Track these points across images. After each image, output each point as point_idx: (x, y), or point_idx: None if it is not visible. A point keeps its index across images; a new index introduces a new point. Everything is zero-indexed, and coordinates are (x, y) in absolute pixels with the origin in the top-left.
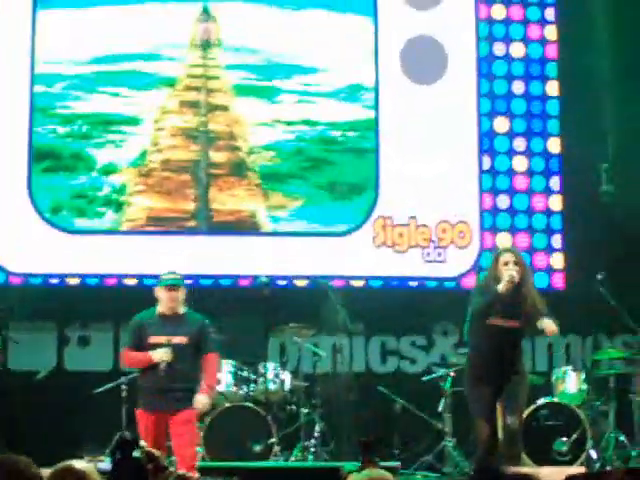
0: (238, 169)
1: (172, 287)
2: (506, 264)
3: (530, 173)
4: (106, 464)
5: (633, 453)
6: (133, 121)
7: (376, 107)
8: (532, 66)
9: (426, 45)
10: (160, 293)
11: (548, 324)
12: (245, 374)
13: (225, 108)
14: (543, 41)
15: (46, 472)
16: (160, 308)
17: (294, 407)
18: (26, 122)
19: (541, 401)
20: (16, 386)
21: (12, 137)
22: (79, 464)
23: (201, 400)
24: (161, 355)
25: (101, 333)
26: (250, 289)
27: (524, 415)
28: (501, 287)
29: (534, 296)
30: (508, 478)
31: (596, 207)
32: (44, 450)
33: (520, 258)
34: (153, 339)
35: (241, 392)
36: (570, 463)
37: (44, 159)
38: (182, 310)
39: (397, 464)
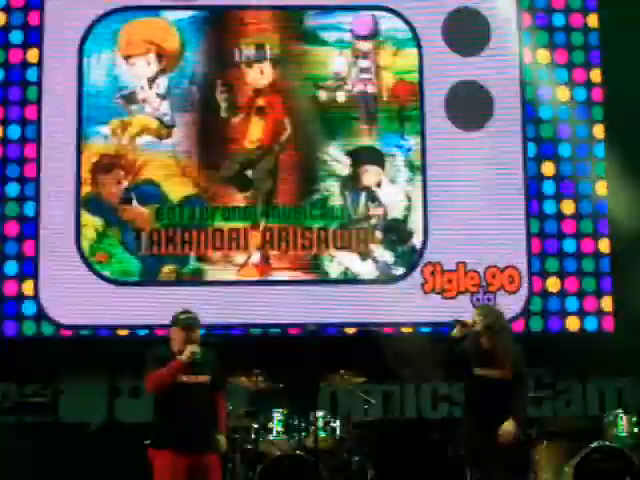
0: None
1: (189, 327)
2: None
3: (578, 216)
4: None
5: None
6: None
7: (423, 154)
8: (578, 109)
9: (471, 91)
10: (176, 335)
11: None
12: (296, 423)
13: None
14: (588, 84)
15: None
16: (175, 348)
17: (345, 455)
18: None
19: (593, 445)
20: (68, 437)
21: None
22: None
23: (223, 441)
24: (191, 350)
25: None
26: (299, 337)
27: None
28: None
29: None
30: None
31: None
32: None
33: (487, 311)
34: (179, 378)
35: (292, 441)
36: None
37: None
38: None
39: None
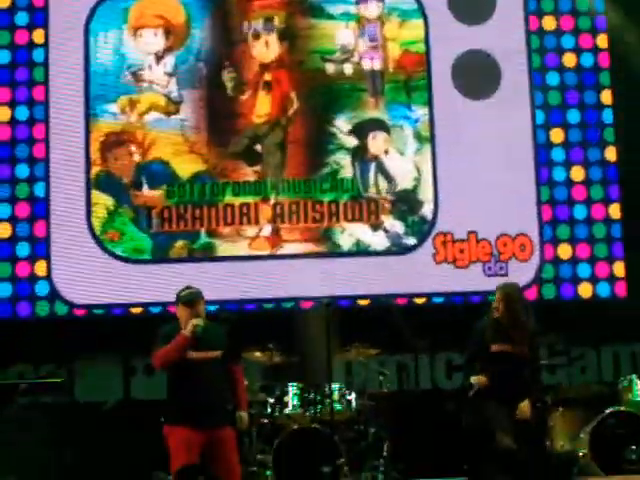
0: None
1: (191, 302)
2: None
3: (588, 182)
4: None
5: None
6: None
7: (431, 124)
8: (585, 75)
9: (478, 60)
10: (181, 312)
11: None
12: (311, 396)
13: None
14: (595, 50)
15: None
16: (182, 325)
17: (361, 427)
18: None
19: (608, 410)
20: (85, 416)
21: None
22: None
23: (245, 417)
24: (193, 323)
25: None
26: (313, 311)
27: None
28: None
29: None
30: None
31: None
32: (113, 479)
33: (502, 294)
34: (188, 354)
35: (308, 414)
36: None
37: None
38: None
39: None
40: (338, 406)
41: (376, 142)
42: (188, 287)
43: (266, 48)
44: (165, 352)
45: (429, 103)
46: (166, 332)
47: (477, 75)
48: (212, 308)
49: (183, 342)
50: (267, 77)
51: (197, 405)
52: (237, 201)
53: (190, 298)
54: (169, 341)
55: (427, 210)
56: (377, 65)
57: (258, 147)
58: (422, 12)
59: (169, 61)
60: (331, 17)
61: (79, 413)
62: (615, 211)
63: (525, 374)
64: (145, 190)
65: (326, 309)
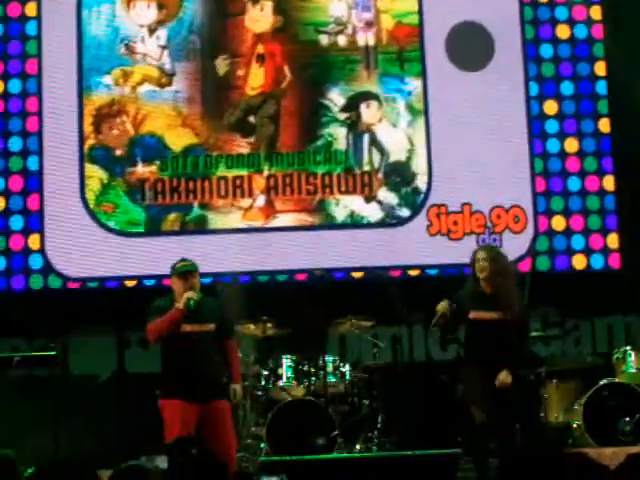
0: None
1: (188, 274)
2: (477, 261)
3: (582, 154)
4: (163, 463)
5: None
6: None
7: (425, 96)
8: (579, 47)
9: (472, 31)
10: (176, 284)
11: (500, 378)
12: (305, 368)
13: None
14: (589, 21)
15: (107, 474)
16: (177, 297)
17: (355, 399)
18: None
19: (602, 382)
20: (79, 390)
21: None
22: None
23: (239, 390)
24: (186, 296)
25: None
26: (307, 283)
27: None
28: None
29: (508, 292)
30: None
31: None
32: (107, 451)
33: (491, 254)
34: (183, 327)
35: (302, 386)
36: (634, 443)
37: None
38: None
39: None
40: (332, 378)
41: (370, 110)
42: (183, 259)
43: (260, 12)
44: (158, 325)
45: (422, 75)
46: (160, 305)
47: (470, 47)
48: (207, 280)
49: (176, 315)
50: (260, 50)
51: (191, 378)
52: (230, 174)
53: (184, 270)
54: (163, 314)
55: (421, 182)
56: (370, 37)
57: (252, 119)
58: None
59: (162, 34)
60: None
61: (73, 386)
62: (609, 183)
63: (509, 342)
64: (139, 167)
65: (320, 281)
